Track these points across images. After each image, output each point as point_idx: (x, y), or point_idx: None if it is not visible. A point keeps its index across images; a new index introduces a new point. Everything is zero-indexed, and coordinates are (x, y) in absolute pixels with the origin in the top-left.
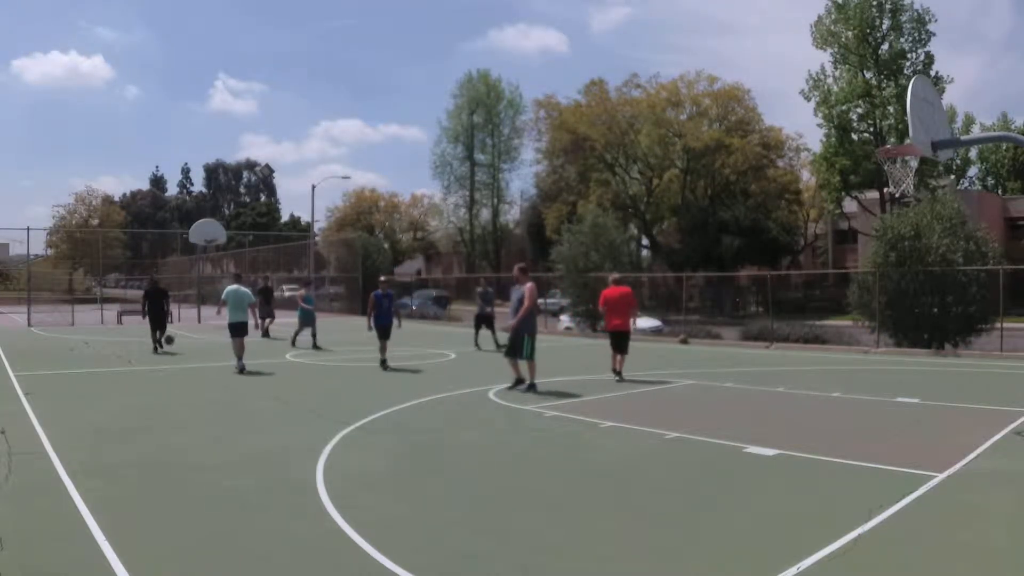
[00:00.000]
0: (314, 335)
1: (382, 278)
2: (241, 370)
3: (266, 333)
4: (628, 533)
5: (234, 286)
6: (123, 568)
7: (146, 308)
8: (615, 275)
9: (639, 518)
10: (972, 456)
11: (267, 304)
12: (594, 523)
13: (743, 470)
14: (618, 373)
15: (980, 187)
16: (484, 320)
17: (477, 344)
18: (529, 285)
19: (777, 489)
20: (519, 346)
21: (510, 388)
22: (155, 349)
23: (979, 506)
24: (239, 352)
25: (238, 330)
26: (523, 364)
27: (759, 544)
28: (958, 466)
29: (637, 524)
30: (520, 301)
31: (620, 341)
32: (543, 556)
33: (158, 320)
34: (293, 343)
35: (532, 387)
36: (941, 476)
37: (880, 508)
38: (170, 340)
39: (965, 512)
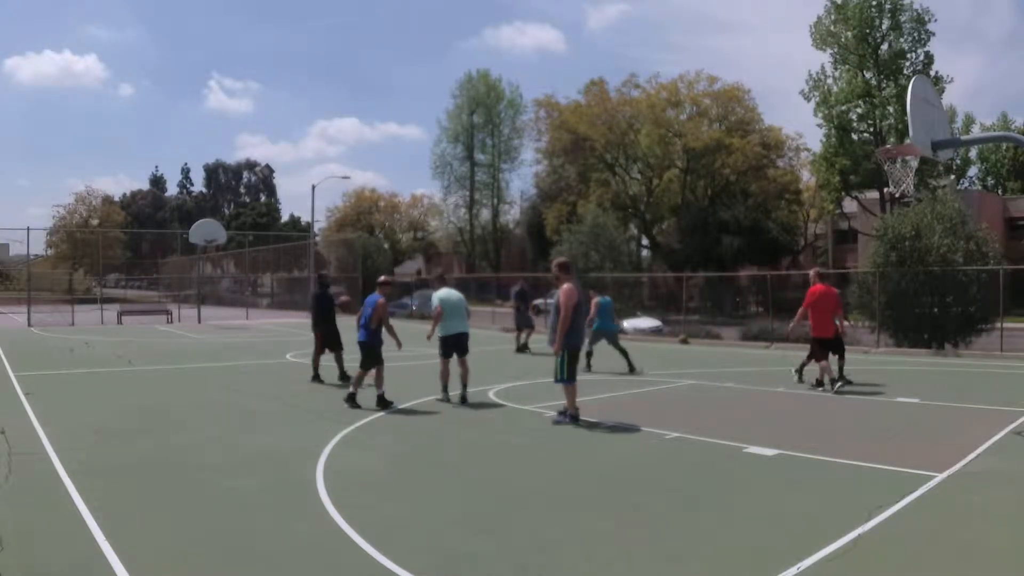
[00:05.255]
0: (628, 357)
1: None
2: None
3: (524, 347)
4: (628, 533)
5: (445, 290)
6: (123, 568)
7: (316, 321)
8: (818, 270)
9: (639, 518)
10: (972, 456)
11: (523, 312)
12: (594, 523)
13: (743, 470)
14: (843, 378)
15: (980, 187)
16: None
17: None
18: (565, 287)
19: (777, 489)
20: (556, 366)
21: (558, 422)
22: (340, 378)
23: (979, 506)
24: (444, 379)
25: (460, 345)
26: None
27: (759, 544)
28: (958, 466)
29: (637, 524)
30: (557, 309)
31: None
32: (542, 556)
33: (334, 338)
34: (632, 367)
35: (572, 419)
36: (941, 476)
37: (880, 508)
38: (346, 381)
39: (965, 512)
